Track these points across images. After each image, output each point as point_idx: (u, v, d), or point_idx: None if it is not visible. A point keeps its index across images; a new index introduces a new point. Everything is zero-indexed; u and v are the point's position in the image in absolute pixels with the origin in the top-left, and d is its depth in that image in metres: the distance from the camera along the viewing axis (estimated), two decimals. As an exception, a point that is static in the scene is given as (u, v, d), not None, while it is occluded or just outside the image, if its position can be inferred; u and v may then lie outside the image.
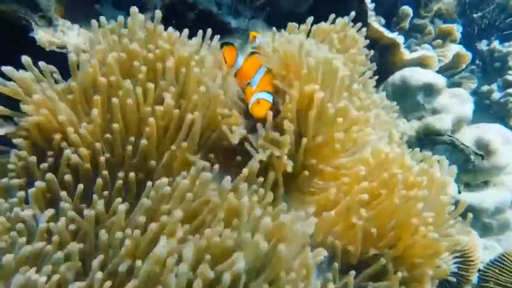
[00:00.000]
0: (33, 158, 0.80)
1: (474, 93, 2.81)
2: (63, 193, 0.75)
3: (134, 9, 0.97)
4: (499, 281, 1.59)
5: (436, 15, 3.13)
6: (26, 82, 0.84)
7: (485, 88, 2.70)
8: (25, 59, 0.86)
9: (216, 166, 0.83)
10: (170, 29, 1.01)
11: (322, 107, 0.87)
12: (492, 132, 1.81)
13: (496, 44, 2.73)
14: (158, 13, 0.98)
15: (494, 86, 2.65)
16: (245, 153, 0.89)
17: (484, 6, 3.08)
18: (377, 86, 2.11)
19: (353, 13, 1.41)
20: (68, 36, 1.24)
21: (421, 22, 2.58)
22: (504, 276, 1.60)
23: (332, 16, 1.39)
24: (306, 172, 0.91)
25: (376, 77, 1.55)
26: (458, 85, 2.95)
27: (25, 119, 0.83)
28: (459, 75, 2.84)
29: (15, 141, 0.83)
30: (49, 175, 0.77)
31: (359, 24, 1.43)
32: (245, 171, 0.80)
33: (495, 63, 2.74)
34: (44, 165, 0.80)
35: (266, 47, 1.02)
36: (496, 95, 2.60)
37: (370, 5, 1.99)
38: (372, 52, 1.45)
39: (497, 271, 1.64)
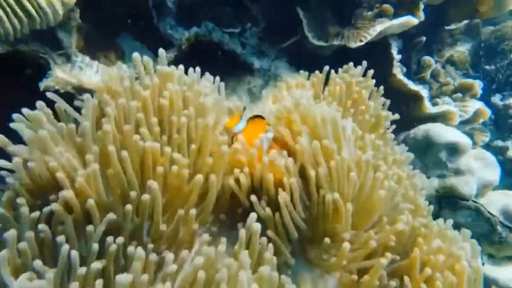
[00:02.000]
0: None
1: (486, 146, 2.75)
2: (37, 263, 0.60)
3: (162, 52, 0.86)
4: None
5: (448, 61, 3.14)
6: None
7: (499, 143, 2.64)
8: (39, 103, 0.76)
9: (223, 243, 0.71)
10: (192, 72, 0.91)
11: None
12: (521, 203, 1.70)
13: (511, 101, 2.70)
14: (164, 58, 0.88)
15: (509, 143, 2.59)
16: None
17: (497, 60, 3.09)
18: (395, 138, 2.03)
19: (364, 63, 1.32)
20: (85, 74, 1.10)
21: (440, 72, 2.53)
22: None
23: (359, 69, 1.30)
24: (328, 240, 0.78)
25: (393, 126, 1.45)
26: (469, 136, 2.90)
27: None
28: (470, 126, 2.79)
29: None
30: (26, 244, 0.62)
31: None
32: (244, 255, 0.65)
33: (509, 119, 2.70)
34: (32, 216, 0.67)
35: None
36: (511, 153, 2.54)
37: (397, 56, 1.92)
38: (388, 101, 1.37)
39: None
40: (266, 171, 0.80)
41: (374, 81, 1.34)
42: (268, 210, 0.79)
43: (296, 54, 1.80)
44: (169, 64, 0.90)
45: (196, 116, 0.84)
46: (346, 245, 0.75)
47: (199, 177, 0.76)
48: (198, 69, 0.96)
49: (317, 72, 1.32)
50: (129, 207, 0.70)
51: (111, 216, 0.69)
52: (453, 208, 1.80)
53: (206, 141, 0.83)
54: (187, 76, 0.92)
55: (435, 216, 1.88)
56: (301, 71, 1.32)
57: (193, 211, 0.74)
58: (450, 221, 1.05)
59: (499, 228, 1.67)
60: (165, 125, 0.83)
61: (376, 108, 1.28)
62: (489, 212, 1.70)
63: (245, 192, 0.83)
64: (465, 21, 2.93)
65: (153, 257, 0.66)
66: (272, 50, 1.69)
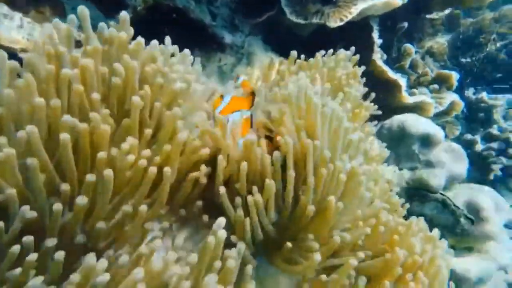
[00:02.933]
0: None
1: (457, 139, 2.80)
2: None
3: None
4: None
5: (428, 53, 3.12)
6: None
7: (468, 137, 2.69)
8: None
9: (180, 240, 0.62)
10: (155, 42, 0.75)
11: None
12: (485, 196, 1.73)
13: (484, 94, 2.73)
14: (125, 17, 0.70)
15: (478, 137, 2.65)
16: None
17: (474, 52, 3.11)
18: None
19: (352, 49, 1.24)
20: (3, 27, 0.89)
21: (418, 62, 2.49)
22: None
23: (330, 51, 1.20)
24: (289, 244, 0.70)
25: (376, 122, 1.42)
26: (442, 129, 2.95)
27: None
28: (444, 118, 2.83)
29: None
30: None
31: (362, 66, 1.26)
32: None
33: (480, 113, 2.75)
34: None
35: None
36: (479, 147, 2.60)
37: (378, 40, 1.82)
38: (373, 94, 1.30)
39: None
40: (235, 155, 0.69)
41: (362, 68, 1.25)
42: (239, 212, 0.69)
43: (271, 32, 1.64)
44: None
45: (168, 104, 0.69)
46: (317, 257, 0.67)
47: (141, 164, 0.62)
48: (167, 40, 0.79)
49: (302, 56, 1.19)
50: (58, 206, 0.56)
51: (28, 213, 0.55)
52: (422, 200, 1.80)
53: (169, 128, 0.69)
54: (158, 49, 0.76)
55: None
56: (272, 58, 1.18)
57: (144, 206, 0.62)
58: (421, 219, 1.01)
59: (462, 220, 1.69)
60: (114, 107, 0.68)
61: (356, 98, 1.19)
62: (454, 205, 1.71)
63: (221, 182, 0.71)
64: (447, 10, 2.89)
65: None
66: (246, 24, 1.52)
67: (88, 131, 0.61)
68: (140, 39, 0.73)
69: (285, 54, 1.24)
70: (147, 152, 0.65)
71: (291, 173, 0.68)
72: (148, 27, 0.93)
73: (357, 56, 1.26)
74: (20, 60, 0.65)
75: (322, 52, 1.21)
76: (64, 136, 0.57)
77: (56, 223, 0.58)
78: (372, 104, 1.32)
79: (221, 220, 0.61)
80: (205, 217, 0.74)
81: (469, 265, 1.69)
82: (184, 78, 0.76)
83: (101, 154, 0.59)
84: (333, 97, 1.01)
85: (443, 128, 2.99)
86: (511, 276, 2.15)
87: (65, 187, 0.59)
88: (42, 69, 0.64)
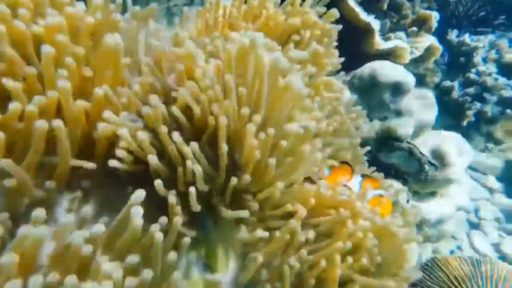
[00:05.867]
0: None
1: (436, 87, 2.74)
2: None
3: None
4: (423, 285, 1.65)
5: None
6: None
7: (447, 84, 2.63)
8: None
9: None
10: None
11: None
12: (450, 143, 1.74)
13: (466, 37, 2.60)
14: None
15: (455, 83, 2.59)
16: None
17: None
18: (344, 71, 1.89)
19: None
20: None
21: (404, 3, 2.29)
22: (431, 281, 1.66)
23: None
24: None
25: (343, 73, 1.33)
26: (422, 77, 2.86)
27: None
28: (424, 66, 2.73)
29: None
30: None
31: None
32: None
33: (461, 57, 2.65)
34: None
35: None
36: (456, 94, 2.56)
37: (349, -23, 1.64)
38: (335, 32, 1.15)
39: (426, 276, 1.70)
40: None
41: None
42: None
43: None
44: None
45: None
46: (255, 206, 0.63)
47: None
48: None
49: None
50: None
51: None
52: (390, 149, 1.81)
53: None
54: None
55: (374, 158, 1.91)
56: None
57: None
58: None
59: (426, 167, 1.72)
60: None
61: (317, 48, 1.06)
62: (420, 152, 1.72)
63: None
64: None
65: None
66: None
67: None
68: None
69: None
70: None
71: (224, 147, 0.59)
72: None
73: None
74: None
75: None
76: None
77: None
78: (336, 51, 1.21)
79: (140, 193, 0.52)
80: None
81: (431, 208, 1.77)
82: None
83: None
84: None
85: (424, 76, 2.91)
86: (471, 215, 2.29)
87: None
88: None
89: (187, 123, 0.60)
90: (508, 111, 2.47)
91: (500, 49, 2.53)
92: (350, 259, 0.68)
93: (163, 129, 0.57)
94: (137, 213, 0.46)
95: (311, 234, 0.70)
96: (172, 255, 0.50)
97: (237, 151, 0.63)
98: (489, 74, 2.46)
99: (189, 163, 0.57)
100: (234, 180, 0.60)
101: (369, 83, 1.77)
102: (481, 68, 2.49)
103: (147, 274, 0.45)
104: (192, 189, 0.57)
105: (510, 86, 2.45)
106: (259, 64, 0.58)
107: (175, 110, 0.58)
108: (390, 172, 1.85)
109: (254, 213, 0.66)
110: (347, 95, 1.67)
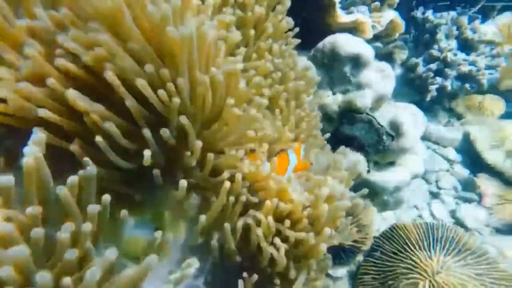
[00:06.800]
0: None
1: (404, 64, 2.80)
2: None
3: None
4: (384, 250, 1.75)
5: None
6: None
7: (413, 60, 2.70)
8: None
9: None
10: None
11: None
12: (406, 114, 1.80)
13: (430, 13, 2.65)
14: None
15: (420, 60, 2.66)
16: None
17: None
18: (309, 48, 1.90)
19: None
20: None
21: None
22: (389, 245, 1.75)
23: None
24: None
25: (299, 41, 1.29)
26: (390, 54, 2.91)
27: None
28: (393, 44, 2.77)
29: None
30: None
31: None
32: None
33: (425, 34, 2.71)
34: None
35: None
36: (421, 70, 2.63)
37: None
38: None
39: (385, 241, 1.79)
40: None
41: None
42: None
43: None
44: None
45: None
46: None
47: None
48: None
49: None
50: None
51: None
52: (351, 122, 1.86)
53: None
54: None
55: (337, 131, 1.95)
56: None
57: None
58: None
59: (384, 137, 1.78)
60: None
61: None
62: (378, 123, 1.78)
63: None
64: None
65: None
66: None
67: None
68: None
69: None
70: None
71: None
72: None
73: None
74: None
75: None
76: None
77: None
78: (288, 19, 1.21)
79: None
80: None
81: (388, 177, 1.85)
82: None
83: None
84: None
85: (391, 53, 2.97)
86: (432, 186, 2.41)
87: None
88: None
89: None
90: (467, 85, 2.58)
91: (460, 25, 2.60)
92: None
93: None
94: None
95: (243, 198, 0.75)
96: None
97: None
98: (450, 50, 2.54)
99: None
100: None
101: (330, 56, 1.79)
102: (443, 44, 2.57)
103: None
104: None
105: (468, 61, 2.55)
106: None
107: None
108: (353, 144, 1.91)
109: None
110: (303, 64, 1.67)
